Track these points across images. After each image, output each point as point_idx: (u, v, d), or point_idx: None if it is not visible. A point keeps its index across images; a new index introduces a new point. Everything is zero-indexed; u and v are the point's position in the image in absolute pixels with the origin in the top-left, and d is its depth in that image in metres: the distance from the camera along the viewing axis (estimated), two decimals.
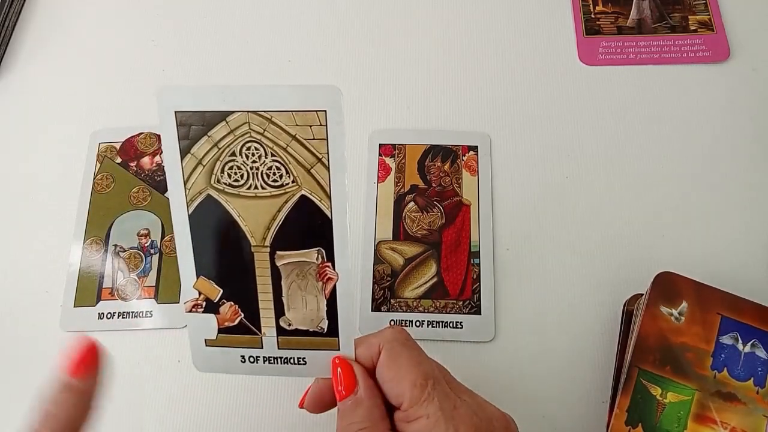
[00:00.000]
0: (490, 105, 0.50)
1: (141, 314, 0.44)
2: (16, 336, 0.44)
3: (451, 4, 0.54)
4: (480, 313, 0.43)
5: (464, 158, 0.47)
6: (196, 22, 0.55)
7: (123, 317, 0.44)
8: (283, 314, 0.32)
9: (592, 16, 0.53)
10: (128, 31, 0.55)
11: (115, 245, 0.46)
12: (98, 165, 0.49)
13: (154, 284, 0.45)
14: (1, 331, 0.44)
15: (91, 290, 0.45)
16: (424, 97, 0.50)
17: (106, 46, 0.54)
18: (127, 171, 0.48)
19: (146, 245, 0.46)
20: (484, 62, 0.51)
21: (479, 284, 0.43)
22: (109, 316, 0.44)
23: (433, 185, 0.47)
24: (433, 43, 0.52)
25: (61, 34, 0.55)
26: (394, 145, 0.48)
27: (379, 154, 0.48)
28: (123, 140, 0.49)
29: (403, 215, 0.46)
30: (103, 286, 0.45)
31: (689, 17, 0.52)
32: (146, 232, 0.46)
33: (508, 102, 0.50)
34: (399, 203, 0.46)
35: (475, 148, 0.48)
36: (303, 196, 0.30)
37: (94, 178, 0.48)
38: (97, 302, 0.44)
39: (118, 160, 0.49)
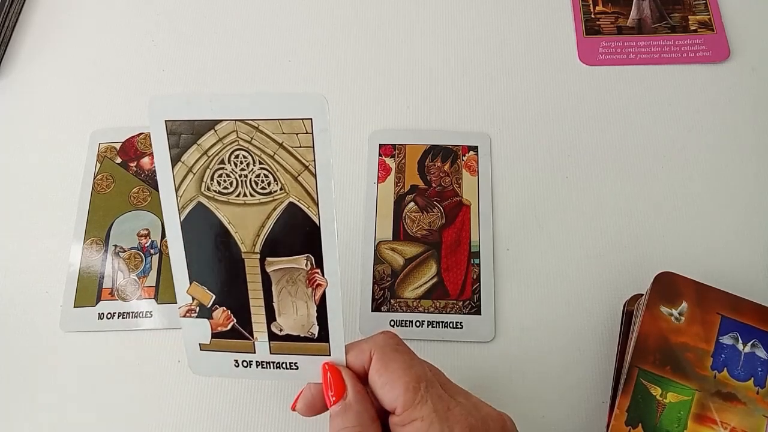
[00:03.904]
0: (490, 105, 0.50)
1: (141, 314, 0.44)
2: (16, 336, 0.44)
3: (451, 4, 0.54)
4: (480, 313, 0.43)
5: (464, 158, 0.47)
6: (195, 22, 0.55)
7: (123, 317, 0.44)
8: (275, 320, 0.32)
9: (592, 16, 0.53)
10: (128, 31, 0.55)
11: (115, 245, 0.46)
12: (98, 165, 0.49)
13: (154, 284, 0.45)
14: (1, 331, 0.44)
15: (91, 290, 0.45)
16: (424, 97, 0.50)
17: (106, 46, 0.54)
18: (127, 171, 0.48)
19: (146, 245, 0.46)
20: (484, 62, 0.51)
21: (479, 284, 0.43)
22: (109, 316, 0.44)
23: (433, 185, 0.47)
24: (433, 43, 0.52)
25: (61, 34, 0.55)
26: (394, 145, 0.48)
27: (379, 154, 0.48)
28: (123, 140, 0.49)
29: (403, 215, 0.46)
30: (103, 287, 0.45)
31: (689, 17, 0.52)
32: (146, 232, 0.46)
33: (508, 102, 0.50)
34: (399, 203, 0.46)
35: (475, 148, 0.48)
36: (291, 203, 0.31)
37: (94, 178, 0.48)
38: (97, 302, 0.44)
39: (118, 160, 0.49)
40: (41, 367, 0.43)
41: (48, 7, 0.57)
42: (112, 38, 0.55)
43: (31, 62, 0.54)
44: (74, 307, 0.44)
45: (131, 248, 0.46)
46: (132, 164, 0.49)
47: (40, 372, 0.43)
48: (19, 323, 0.44)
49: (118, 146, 0.49)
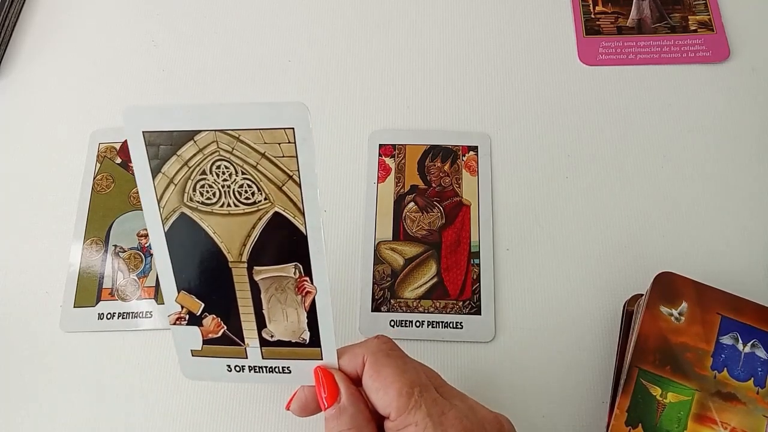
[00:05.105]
0: (490, 105, 0.50)
1: (141, 315, 0.44)
2: (16, 336, 0.44)
3: (451, 4, 0.54)
4: (480, 314, 0.43)
5: (464, 158, 0.47)
6: (195, 22, 0.55)
7: (123, 318, 0.44)
8: (265, 326, 0.32)
9: (592, 16, 0.53)
10: (128, 31, 0.55)
11: (115, 245, 0.46)
12: (98, 165, 0.49)
13: (154, 284, 0.45)
14: (1, 331, 0.44)
15: (91, 290, 0.45)
16: (424, 97, 0.50)
17: (106, 46, 0.54)
18: (127, 171, 0.48)
19: (146, 245, 0.46)
20: (484, 62, 0.51)
21: (479, 284, 0.43)
22: (109, 316, 0.44)
23: (433, 185, 0.47)
24: (433, 43, 0.52)
25: (61, 34, 0.55)
26: (394, 145, 0.48)
27: (379, 154, 0.48)
28: (123, 140, 0.49)
29: (403, 215, 0.46)
30: (103, 287, 0.45)
31: (689, 17, 0.52)
32: (146, 232, 0.46)
33: (508, 102, 0.50)
34: (399, 203, 0.46)
35: (475, 148, 0.48)
36: (276, 213, 0.30)
37: (94, 178, 0.48)
38: (97, 303, 0.44)
39: (118, 160, 0.49)
40: (41, 367, 0.43)
41: (48, 7, 0.57)
42: (112, 38, 0.55)
43: (31, 62, 0.54)
44: (74, 307, 0.44)
45: (131, 248, 0.46)
46: (132, 164, 0.49)
47: (40, 372, 0.43)
48: (19, 323, 0.44)
49: (118, 146, 0.49)
